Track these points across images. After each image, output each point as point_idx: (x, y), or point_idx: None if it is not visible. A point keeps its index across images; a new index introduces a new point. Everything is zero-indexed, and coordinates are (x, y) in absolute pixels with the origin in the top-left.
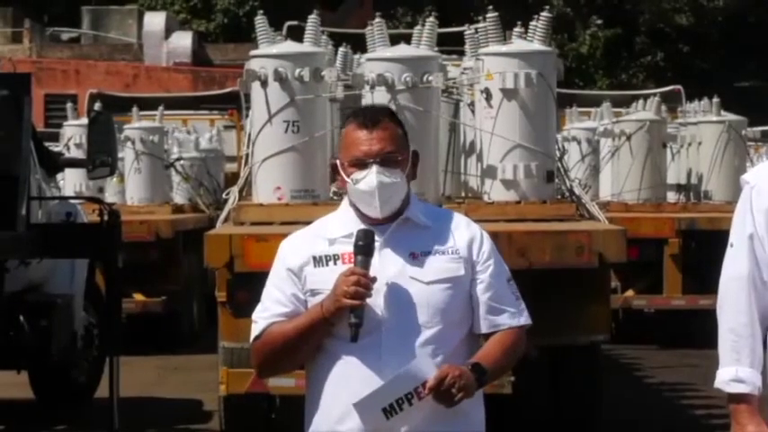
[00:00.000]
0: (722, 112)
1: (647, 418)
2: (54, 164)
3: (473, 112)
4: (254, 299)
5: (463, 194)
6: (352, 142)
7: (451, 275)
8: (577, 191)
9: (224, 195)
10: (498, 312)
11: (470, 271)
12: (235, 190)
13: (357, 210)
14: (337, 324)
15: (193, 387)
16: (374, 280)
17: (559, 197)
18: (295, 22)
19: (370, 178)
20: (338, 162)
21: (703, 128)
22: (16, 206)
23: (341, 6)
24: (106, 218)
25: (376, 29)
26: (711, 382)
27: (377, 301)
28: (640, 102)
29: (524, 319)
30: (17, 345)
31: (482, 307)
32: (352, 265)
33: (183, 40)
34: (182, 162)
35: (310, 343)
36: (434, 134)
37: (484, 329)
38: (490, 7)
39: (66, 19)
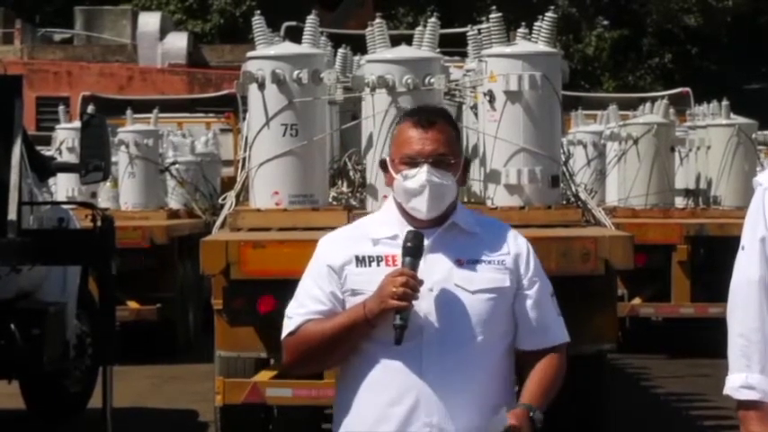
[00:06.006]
0: (732, 115)
1: (654, 429)
2: (46, 168)
3: (476, 114)
4: (251, 307)
5: (466, 199)
6: (405, 140)
7: (497, 286)
8: (583, 196)
9: (220, 200)
10: (542, 332)
11: (515, 284)
12: (231, 195)
13: (402, 211)
14: (379, 326)
15: (188, 397)
16: (422, 283)
17: (565, 202)
18: (293, 23)
19: (420, 176)
20: (388, 159)
21: (712, 131)
22: (7, 212)
23: (340, 6)
24: (99, 223)
25: (376, 29)
26: (721, 393)
27: (420, 306)
28: (648, 104)
29: (564, 337)
30: (8, 354)
31: (527, 324)
32: (395, 267)
33: (178, 41)
34: (177, 166)
35: (348, 343)
36: None
37: (527, 347)
38: (493, 7)
39: (59, 19)
